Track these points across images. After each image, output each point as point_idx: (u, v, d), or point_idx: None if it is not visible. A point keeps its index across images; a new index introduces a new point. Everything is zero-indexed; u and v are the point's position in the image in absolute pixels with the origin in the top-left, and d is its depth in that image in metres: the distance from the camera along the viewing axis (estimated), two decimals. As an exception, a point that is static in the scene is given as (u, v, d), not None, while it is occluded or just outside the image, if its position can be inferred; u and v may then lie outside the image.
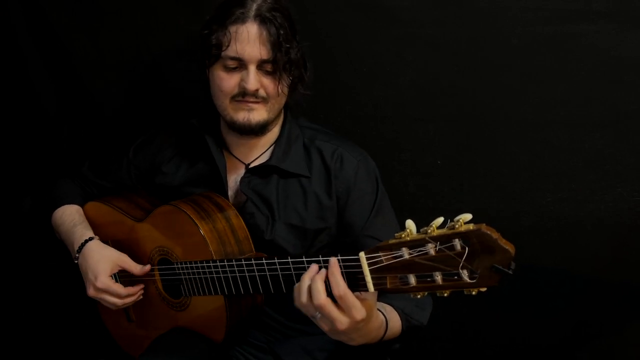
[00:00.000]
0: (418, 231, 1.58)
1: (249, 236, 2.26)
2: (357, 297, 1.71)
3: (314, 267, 1.78)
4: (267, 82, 2.18)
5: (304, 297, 1.75)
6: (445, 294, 1.57)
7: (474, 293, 1.52)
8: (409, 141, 2.78)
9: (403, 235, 1.58)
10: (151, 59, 2.90)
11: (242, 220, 2.27)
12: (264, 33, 2.12)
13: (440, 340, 2.99)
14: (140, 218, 2.40)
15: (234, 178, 2.37)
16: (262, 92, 2.19)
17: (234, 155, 2.39)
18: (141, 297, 2.41)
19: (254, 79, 2.15)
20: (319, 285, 1.71)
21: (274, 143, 2.37)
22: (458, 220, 1.49)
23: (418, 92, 2.72)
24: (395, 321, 2.05)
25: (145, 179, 2.58)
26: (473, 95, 2.68)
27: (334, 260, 1.72)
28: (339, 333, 1.76)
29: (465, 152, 2.74)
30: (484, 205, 2.75)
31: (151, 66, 2.91)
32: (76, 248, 2.42)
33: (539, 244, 2.75)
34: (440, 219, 1.54)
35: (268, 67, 2.16)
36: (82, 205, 2.63)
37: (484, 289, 1.51)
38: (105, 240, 2.48)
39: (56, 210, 2.61)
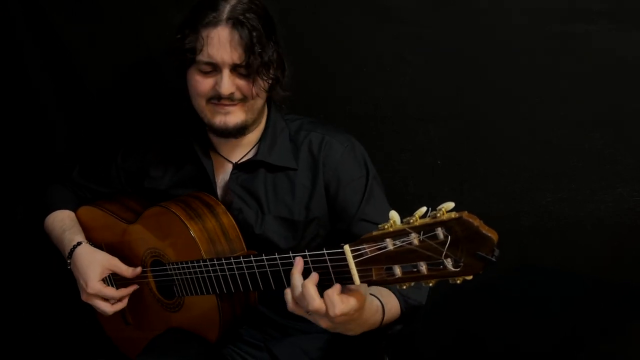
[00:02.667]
0: (401, 222, 1.57)
1: (240, 234, 2.26)
2: (348, 288, 1.71)
3: (298, 261, 1.79)
4: (243, 84, 2.16)
5: (297, 293, 1.75)
6: (431, 284, 1.57)
7: (458, 282, 1.51)
8: (409, 141, 2.78)
9: (386, 227, 1.57)
10: (151, 59, 2.91)
11: (232, 219, 2.27)
12: (236, 37, 2.09)
13: (440, 340, 2.98)
14: (132, 220, 2.41)
15: (223, 177, 2.38)
16: (237, 95, 2.17)
17: (221, 155, 2.40)
18: (129, 298, 2.42)
19: (227, 84, 2.13)
20: (312, 292, 1.71)
21: (260, 139, 2.37)
22: (440, 209, 1.48)
23: (418, 92, 2.72)
24: (393, 304, 2.02)
25: (135, 183, 2.59)
26: (473, 95, 2.68)
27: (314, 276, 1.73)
28: (336, 327, 1.77)
29: (465, 152, 2.74)
30: (484, 205, 2.74)
31: (151, 66, 2.92)
32: (66, 254, 2.44)
33: (539, 244, 2.74)
34: (424, 209, 1.54)
35: (242, 70, 2.13)
36: (74, 210, 2.63)
37: (469, 277, 1.50)
38: (98, 243, 2.50)
39: (47, 217, 2.61)
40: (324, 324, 1.75)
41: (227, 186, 2.34)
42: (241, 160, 2.35)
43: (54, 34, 2.93)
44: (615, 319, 2.76)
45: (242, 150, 2.37)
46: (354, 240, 1.66)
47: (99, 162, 2.67)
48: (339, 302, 1.68)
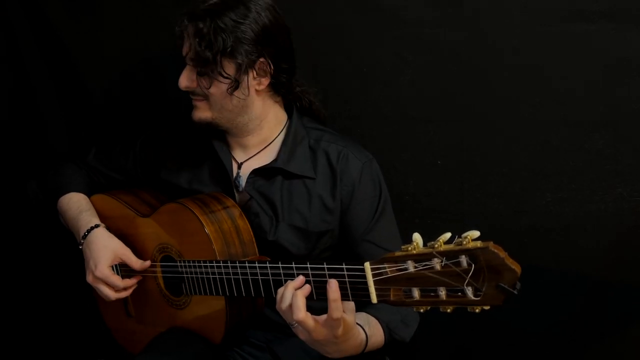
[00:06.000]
0: (425, 245, 1.57)
1: (254, 239, 2.26)
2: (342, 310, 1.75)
3: (300, 278, 1.83)
4: (200, 80, 2.19)
5: (285, 305, 1.80)
6: (449, 310, 1.57)
7: (477, 311, 1.52)
8: (409, 141, 2.78)
9: (409, 248, 1.57)
10: (151, 59, 2.90)
11: (247, 222, 2.27)
12: (190, 29, 2.15)
13: (438, 338, 2.97)
14: (146, 214, 2.40)
15: (235, 177, 2.38)
16: (198, 90, 2.22)
17: (231, 154, 2.40)
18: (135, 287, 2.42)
19: (182, 77, 2.23)
20: (300, 302, 1.76)
21: (271, 143, 2.37)
22: (466, 237, 1.48)
23: (418, 92, 2.72)
24: (378, 336, 2.07)
25: (151, 173, 2.57)
26: (473, 95, 2.68)
27: (334, 284, 1.73)
28: (315, 343, 1.83)
29: (465, 152, 2.74)
30: (484, 205, 2.75)
31: (151, 66, 2.91)
32: (82, 234, 2.41)
33: (539, 244, 2.75)
34: (448, 234, 1.54)
35: (194, 63, 2.18)
36: (87, 193, 2.61)
37: (487, 307, 1.51)
38: (111, 232, 2.47)
39: (63, 197, 2.58)
40: (302, 336, 1.83)
41: (243, 188, 2.34)
42: (252, 164, 2.36)
43: (54, 34, 2.91)
44: (615, 319, 2.77)
45: (249, 151, 2.38)
46: (354, 258, 1.68)
47: (117, 149, 2.66)
48: (341, 324, 1.75)
